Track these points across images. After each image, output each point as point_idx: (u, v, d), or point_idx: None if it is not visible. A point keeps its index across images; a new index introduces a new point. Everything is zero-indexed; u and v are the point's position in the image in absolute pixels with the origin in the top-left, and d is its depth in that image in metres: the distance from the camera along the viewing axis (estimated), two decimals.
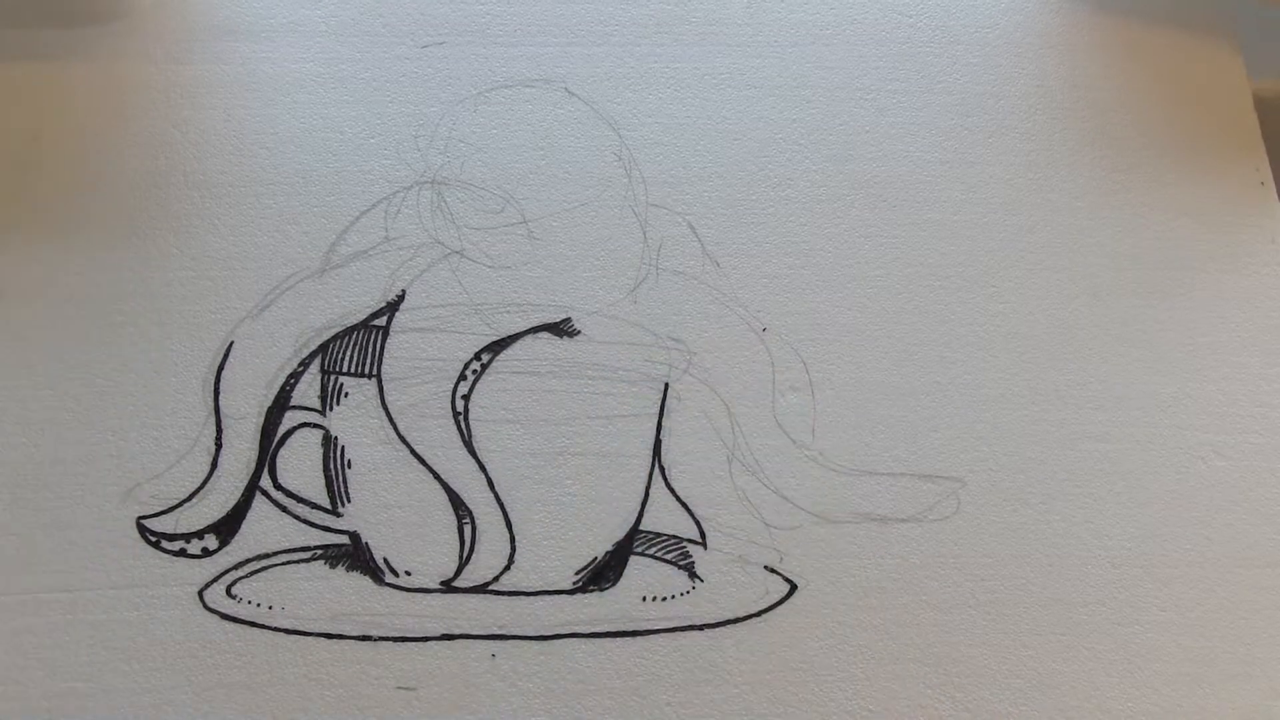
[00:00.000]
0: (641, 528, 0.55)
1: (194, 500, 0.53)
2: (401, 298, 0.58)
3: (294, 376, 0.56)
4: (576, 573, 0.54)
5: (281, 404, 0.55)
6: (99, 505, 0.53)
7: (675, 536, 0.55)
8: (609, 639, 0.53)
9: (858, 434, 0.57)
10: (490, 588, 0.53)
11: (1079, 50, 0.67)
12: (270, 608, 0.52)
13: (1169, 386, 0.60)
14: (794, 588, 0.54)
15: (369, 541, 0.54)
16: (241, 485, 0.54)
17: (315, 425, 0.55)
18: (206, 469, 0.54)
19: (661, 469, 0.56)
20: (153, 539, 0.53)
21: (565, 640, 0.53)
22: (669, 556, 0.54)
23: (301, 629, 0.52)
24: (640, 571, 0.54)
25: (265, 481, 0.54)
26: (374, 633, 0.52)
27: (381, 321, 0.57)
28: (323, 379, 0.56)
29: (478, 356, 0.57)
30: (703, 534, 0.55)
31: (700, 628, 0.53)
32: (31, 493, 0.53)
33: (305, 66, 0.62)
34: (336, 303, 0.57)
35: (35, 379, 0.55)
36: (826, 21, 0.66)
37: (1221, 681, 0.54)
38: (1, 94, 0.60)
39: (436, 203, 0.59)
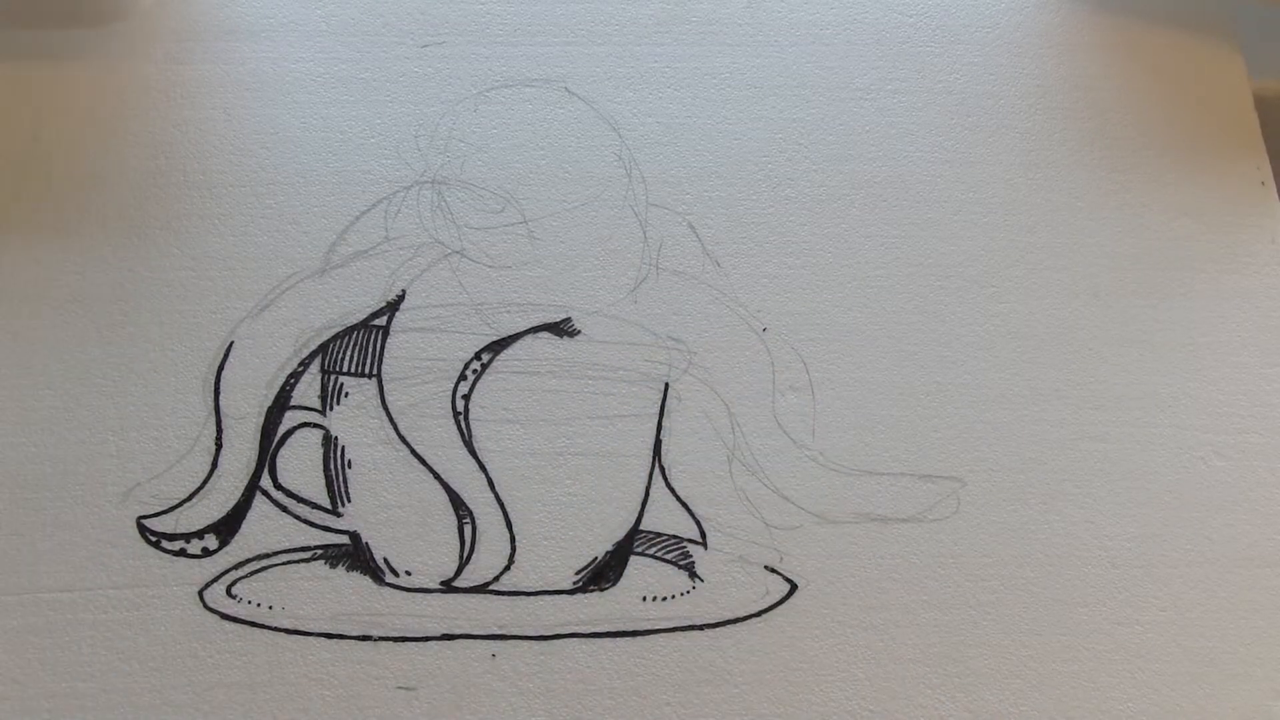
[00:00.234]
0: (642, 528, 0.55)
1: (194, 500, 0.53)
2: (402, 297, 0.58)
3: (294, 376, 0.56)
4: (577, 573, 0.54)
5: (282, 404, 0.55)
6: (99, 505, 0.53)
7: (675, 536, 0.55)
8: (609, 639, 0.53)
9: (858, 434, 0.57)
10: (490, 588, 0.53)
11: (1079, 50, 0.67)
12: (270, 608, 0.52)
13: (1169, 386, 0.60)
14: (794, 587, 0.54)
15: (369, 541, 0.54)
16: (242, 485, 0.54)
17: (315, 425, 0.55)
18: (207, 469, 0.54)
19: (662, 469, 0.56)
20: (153, 539, 0.53)
21: (565, 640, 0.53)
22: (669, 556, 0.55)
23: (301, 629, 0.52)
24: (640, 571, 0.54)
25: (265, 481, 0.54)
26: (374, 633, 0.52)
27: (382, 321, 0.57)
28: (323, 379, 0.56)
29: (478, 356, 0.57)
30: (703, 534, 0.55)
31: (700, 628, 0.53)
32: (31, 492, 0.53)
33: (305, 66, 0.62)
34: (337, 302, 0.57)
35: (35, 379, 0.55)
36: (826, 21, 0.66)
37: (1221, 681, 0.54)
38: (1, 94, 0.60)
39: (437, 202, 0.59)
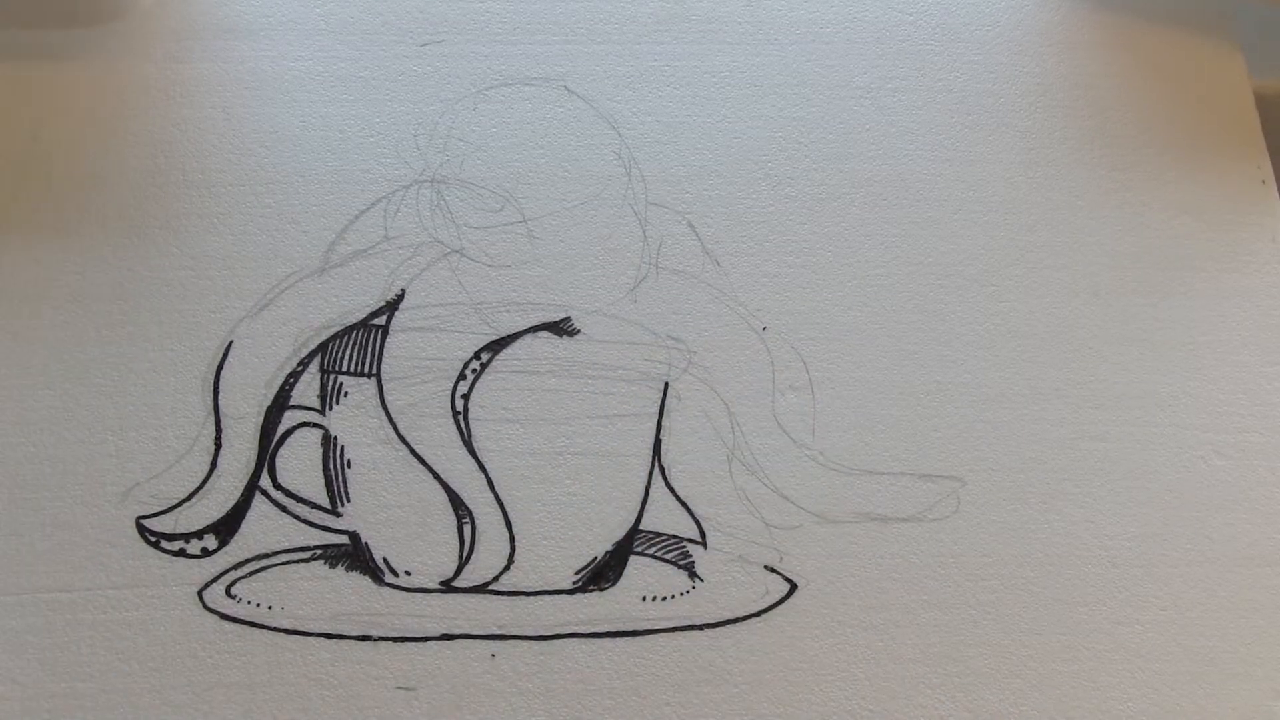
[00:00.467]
0: (641, 527, 0.55)
1: (193, 500, 0.53)
2: (401, 297, 0.57)
3: (293, 376, 0.56)
4: (576, 572, 0.54)
5: (281, 403, 0.55)
6: (98, 505, 0.53)
7: (675, 536, 0.55)
8: (609, 639, 0.53)
9: (858, 433, 0.57)
10: (490, 588, 0.53)
11: (1079, 48, 0.67)
12: (270, 608, 0.52)
13: (1169, 385, 0.60)
14: (794, 587, 0.54)
15: (368, 541, 0.54)
16: (241, 485, 0.54)
17: (315, 425, 0.55)
18: (206, 469, 0.54)
19: (661, 468, 0.56)
20: (152, 539, 0.53)
21: (565, 640, 0.53)
22: (669, 556, 0.55)
23: (301, 629, 0.52)
24: (640, 571, 0.54)
25: (265, 481, 0.54)
26: (374, 633, 0.52)
27: (381, 321, 0.57)
28: (322, 378, 0.56)
29: (477, 356, 0.57)
30: (703, 534, 0.55)
31: (700, 627, 0.53)
32: (30, 492, 0.53)
33: (304, 65, 0.62)
34: (336, 302, 0.57)
35: (35, 379, 0.55)
36: (826, 19, 0.66)
37: (1221, 681, 0.54)
38: (1, 94, 0.60)
39: (436, 201, 0.59)
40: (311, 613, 0.52)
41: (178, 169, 0.59)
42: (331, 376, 0.56)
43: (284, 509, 0.54)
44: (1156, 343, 0.60)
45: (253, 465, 0.54)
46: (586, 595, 0.54)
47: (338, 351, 0.56)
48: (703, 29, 0.65)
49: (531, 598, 0.53)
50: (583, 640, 0.53)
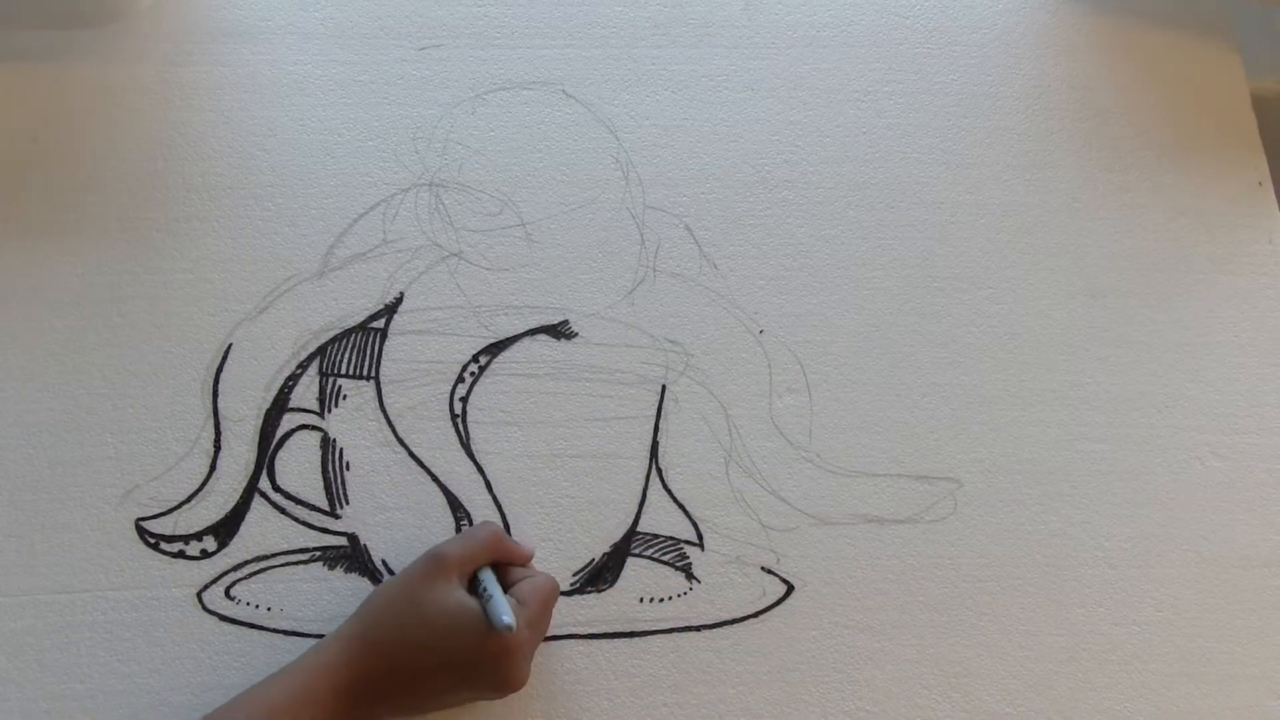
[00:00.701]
0: (639, 529, 0.55)
1: (193, 502, 0.53)
2: (400, 300, 0.58)
3: (292, 379, 0.56)
4: (574, 574, 0.54)
5: (280, 406, 0.55)
6: (98, 507, 0.53)
7: (673, 538, 0.55)
8: (607, 640, 0.53)
9: (855, 435, 0.57)
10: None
11: (1076, 51, 0.67)
12: (269, 609, 0.52)
13: (1166, 387, 0.60)
14: (791, 589, 0.54)
15: (367, 543, 0.54)
16: (240, 487, 0.54)
17: (314, 427, 0.55)
18: (205, 471, 0.54)
19: (659, 470, 0.56)
20: (151, 541, 0.53)
21: (563, 641, 0.53)
22: (666, 558, 0.55)
23: (300, 630, 0.52)
24: (638, 573, 0.54)
25: (264, 483, 0.54)
26: None
27: (380, 324, 0.57)
28: (321, 381, 0.56)
29: (476, 359, 0.57)
30: (700, 535, 0.55)
31: (698, 629, 0.53)
32: (30, 494, 0.53)
33: (303, 69, 0.62)
34: (335, 305, 0.57)
35: (34, 381, 0.55)
36: (823, 23, 0.66)
37: (1218, 681, 0.54)
38: (1, 94, 0.60)
39: (434, 205, 0.59)
40: (310, 614, 0.52)
41: (177, 172, 0.60)
42: (330, 379, 0.56)
43: (283, 511, 0.54)
44: (1153, 344, 0.61)
45: (252, 467, 0.54)
46: (584, 596, 0.54)
47: (337, 354, 0.56)
48: (700, 33, 0.65)
49: None
50: (580, 641, 0.53)
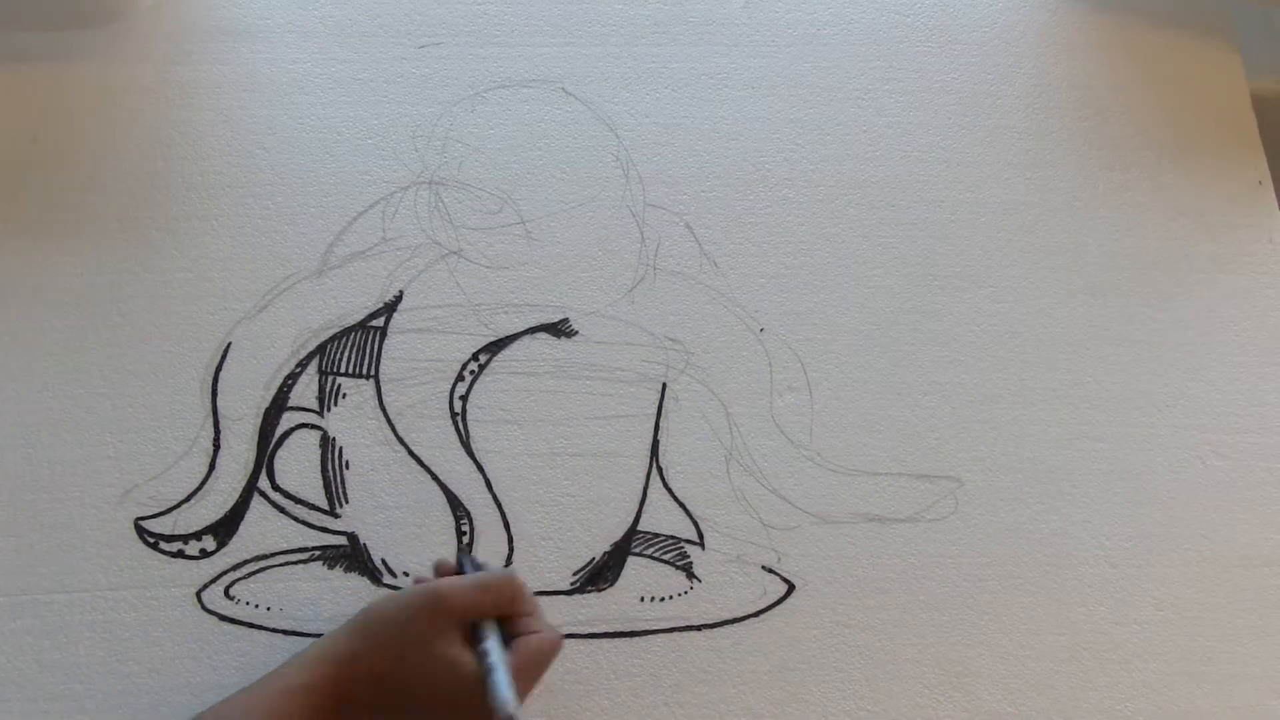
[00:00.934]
0: (639, 528, 0.55)
1: (192, 501, 0.53)
2: (399, 298, 0.58)
3: (292, 377, 0.56)
4: (575, 573, 0.54)
5: (279, 405, 0.55)
6: (97, 506, 0.53)
7: (673, 537, 0.55)
8: (607, 639, 0.53)
9: (855, 434, 0.57)
10: None
11: (1077, 50, 0.67)
12: (268, 609, 0.52)
13: (1166, 386, 0.60)
14: (792, 588, 0.54)
15: (367, 542, 0.54)
16: (239, 486, 0.54)
17: (313, 426, 0.55)
18: (204, 470, 0.54)
19: (659, 469, 0.56)
20: (151, 540, 0.53)
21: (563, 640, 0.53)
22: (667, 557, 0.55)
23: (300, 630, 0.52)
24: (638, 572, 0.54)
25: (263, 482, 0.54)
26: None
27: (379, 322, 0.57)
28: (320, 380, 0.56)
29: (475, 357, 0.57)
30: (700, 534, 0.55)
31: (698, 628, 0.53)
32: (30, 494, 0.53)
33: (302, 68, 0.62)
34: (334, 303, 0.57)
35: (34, 380, 0.55)
36: (823, 21, 0.66)
37: (1219, 681, 0.54)
38: (2, 94, 0.60)
39: (434, 203, 0.59)
40: (310, 614, 0.52)
41: (176, 171, 0.60)
42: (330, 378, 0.56)
43: (282, 510, 0.54)
44: (1154, 343, 0.61)
45: (251, 467, 0.54)
46: (585, 596, 0.54)
47: (336, 353, 0.56)
48: (700, 31, 0.65)
49: None
50: (581, 640, 0.53)
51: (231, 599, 0.52)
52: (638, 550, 0.55)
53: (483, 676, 0.43)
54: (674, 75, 0.64)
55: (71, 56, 0.62)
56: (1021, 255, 0.62)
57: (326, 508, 0.54)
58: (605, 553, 0.54)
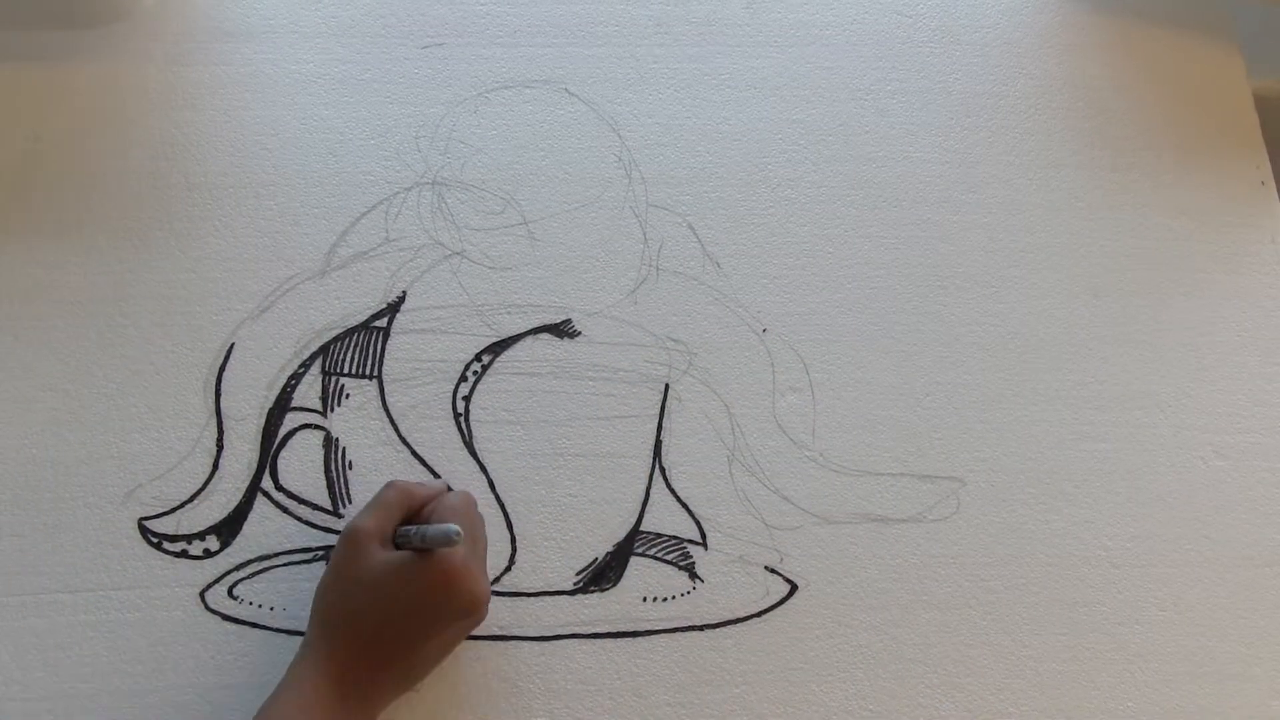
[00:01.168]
0: (642, 528, 0.55)
1: (195, 501, 0.53)
2: (402, 299, 0.58)
3: (295, 378, 0.56)
4: (577, 573, 0.54)
5: (282, 405, 0.55)
6: (100, 506, 0.53)
7: (676, 537, 0.55)
8: (609, 639, 0.53)
9: (858, 434, 0.57)
10: (491, 588, 0.53)
11: (1079, 50, 0.67)
12: (272, 609, 0.52)
13: (1169, 386, 0.60)
14: (794, 588, 0.54)
15: None
16: (243, 486, 0.54)
17: (316, 426, 0.55)
18: (208, 470, 0.54)
19: (662, 470, 0.56)
20: (154, 540, 0.53)
21: (566, 641, 0.53)
22: (669, 557, 0.55)
23: (303, 630, 0.51)
24: (641, 572, 0.54)
25: (266, 483, 0.54)
26: None
27: (382, 323, 0.57)
28: (324, 380, 0.56)
29: (478, 358, 0.57)
30: (703, 534, 0.55)
31: (701, 628, 0.53)
32: (33, 494, 0.53)
33: (305, 68, 0.62)
34: (337, 304, 0.57)
35: (36, 380, 0.55)
36: (826, 22, 0.66)
37: (1221, 681, 0.54)
38: (3, 95, 0.60)
39: (437, 204, 0.59)
40: None
41: (179, 171, 0.60)
42: (333, 378, 0.56)
43: (286, 510, 0.54)
44: (1156, 344, 0.61)
45: (254, 467, 0.54)
46: (587, 596, 0.54)
47: (339, 353, 0.56)
48: (703, 32, 0.65)
49: (532, 598, 0.53)
50: (583, 641, 0.53)
51: (235, 599, 0.52)
52: (640, 550, 0.55)
53: (418, 556, 0.46)
54: (677, 76, 0.64)
55: (74, 56, 0.62)
56: (1024, 256, 0.62)
57: (330, 508, 0.54)
58: (608, 553, 0.54)
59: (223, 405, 0.55)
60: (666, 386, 0.57)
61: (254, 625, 0.52)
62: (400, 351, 0.57)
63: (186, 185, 0.59)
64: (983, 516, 0.56)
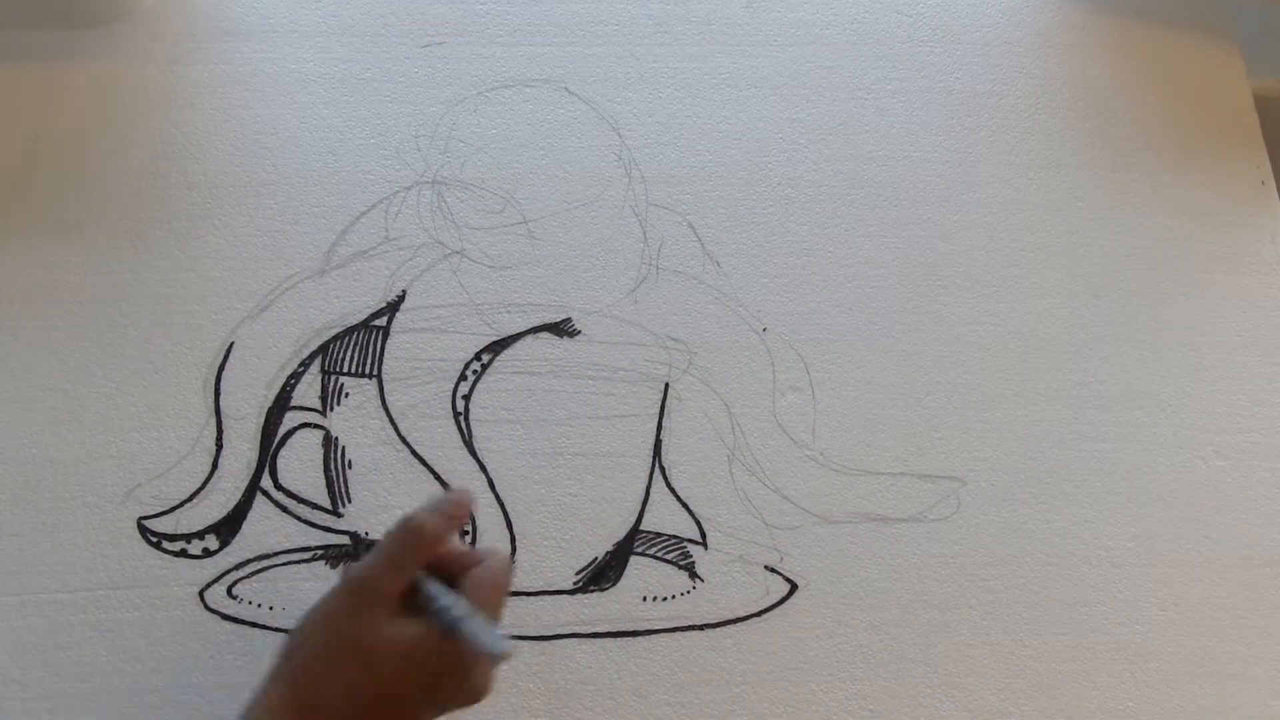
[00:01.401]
0: (642, 528, 0.55)
1: (195, 501, 0.53)
2: (402, 298, 0.58)
3: (294, 377, 0.56)
4: (577, 573, 0.54)
5: (282, 404, 0.55)
6: (100, 506, 0.53)
7: (676, 536, 0.55)
8: (609, 639, 0.53)
9: (858, 434, 0.57)
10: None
11: (1079, 50, 0.67)
12: (271, 608, 0.52)
13: (1169, 386, 0.60)
14: (794, 587, 0.54)
15: (370, 542, 0.54)
16: (242, 486, 0.54)
17: (316, 426, 0.55)
18: (207, 469, 0.54)
19: (662, 469, 0.56)
20: (153, 539, 0.53)
21: (565, 640, 0.53)
22: (669, 556, 0.55)
23: None
24: (641, 571, 0.54)
25: (266, 482, 0.54)
26: None
27: (382, 322, 0.57)
28: (323, 379, 0.56)
29: (478, 357, 0.57)
30: (703, 534, 0.55)
31: (700, 628, 0.53)
32: (32, 493, 0.53)
33: (305, 67, 0.62)
34: (337, 303, 0.57)
35: (35, 380, 0.55)
36: (826, 21, 0.66)
37: (1221, 680, 0.54)
38: (3, 95, 0.60)
39: (437, 203, 0.59)
40: None
41: (179, 171, 0.60)
42: (332, 377, 0.56)
43: (285, 510, 0.54)
44: (1156, 344, 0.61)
45: (254, 466, 0.54)
46: (587, 595, 0.54)
47: (339, 352, 0.56)
48: (703, 31, 0.65)
49: (532, 598, 0.53)
50: (583, 640, 0.53)
51: (234, 598, 0.52)
52: (640, 550, 0.55)
53: (440, 633, 0.39)
54: (677, 75, 0.64)
55: (74, 56, 0.62)
56: (1024, 255, 0.62)
57: (329, 507, 0.54)
58: (608, 552, 0.54)
59: (222, 404, 0.55)
60: (666, 386, 0.57)
61: (253, 624, 0.51)
62: (400, 350, 0.57)
63: (186, 185, 0.59)
64: (983, 516, 0.56)
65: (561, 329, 0.58)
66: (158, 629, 0.51)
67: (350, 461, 0.55)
